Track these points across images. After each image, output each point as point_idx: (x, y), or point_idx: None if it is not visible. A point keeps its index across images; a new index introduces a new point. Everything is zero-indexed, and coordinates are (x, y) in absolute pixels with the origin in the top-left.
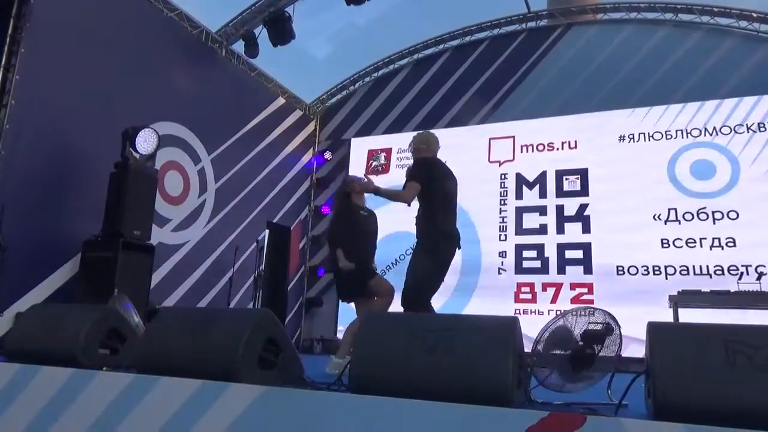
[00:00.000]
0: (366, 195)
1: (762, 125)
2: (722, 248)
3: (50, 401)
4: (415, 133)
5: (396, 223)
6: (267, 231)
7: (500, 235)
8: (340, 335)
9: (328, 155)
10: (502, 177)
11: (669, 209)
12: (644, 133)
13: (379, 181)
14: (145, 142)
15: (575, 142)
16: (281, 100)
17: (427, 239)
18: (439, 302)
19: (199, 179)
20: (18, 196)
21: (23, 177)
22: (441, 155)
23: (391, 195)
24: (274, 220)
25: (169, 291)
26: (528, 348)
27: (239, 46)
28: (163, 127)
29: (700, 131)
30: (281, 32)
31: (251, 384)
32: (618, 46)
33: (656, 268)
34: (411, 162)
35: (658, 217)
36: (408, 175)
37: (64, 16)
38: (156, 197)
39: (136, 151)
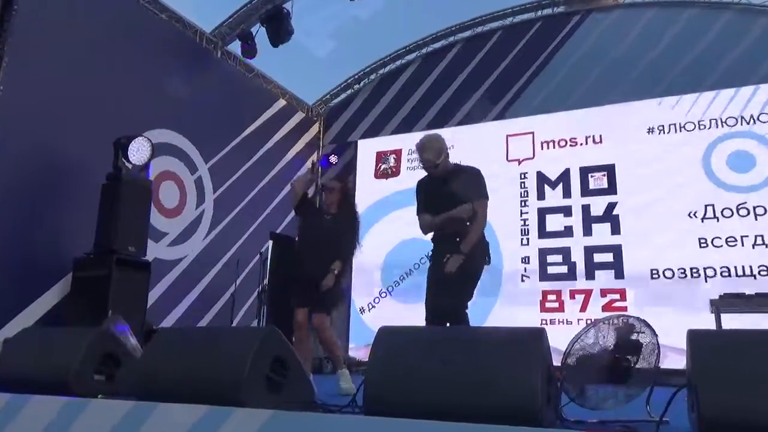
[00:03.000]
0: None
1: None
2: (766, 246)
3: None
4: (419, 138)
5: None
6: (270, 242)
7: (522, 239)
8: (352, 353)
9: (333, 159)
10: (522, 176)
11: (705, 206)
12: (675, 124)
13: (389, 184)
14: (138, 151)
15: (600, 136)
16: (282, 102)
17: (481, 249)
18: None
19: (196, 189)
20: (2, 212)
21: (8, 191)
22: (455, 155)
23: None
24: (278, 231)
25: (167, 310)
26: (557, 362)
27: (236, 47)
28: (157, 135)
29: (736, 120)
30: (280, 30)
31: (258, 408)
32: (642, 31)
33: (694, 271)
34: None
35: (694, 214)
36: (473, 192)
37: (50, 21)
38: (151, 210)
39: (129, 162)
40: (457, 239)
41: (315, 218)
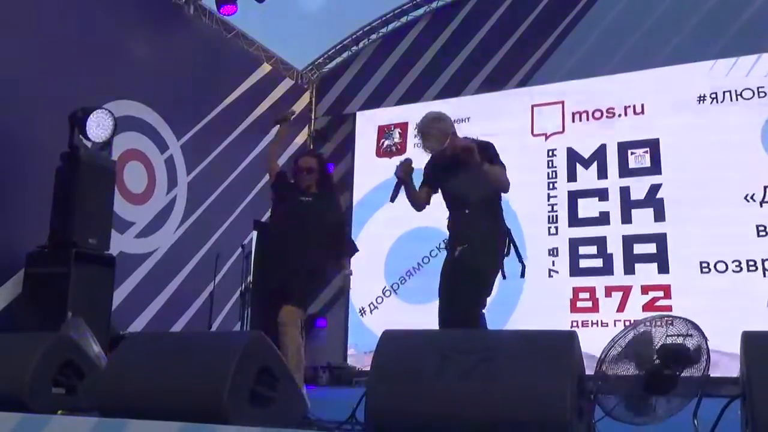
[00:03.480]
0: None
1: None
2: None
3: None
4: (420, 118)
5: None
6: (255, 233)
7: (549, 227)
8: (351, 360)
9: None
10: (550, 153)
11: (765, 187)
12: (730, 91)
13: (393, 163)
14: (98, 126)
15: (641, 106)
16: (266, 68)
17: (494, 238)
18: None
19: (167, 171)
20: None
21: None
22: (470, 129)
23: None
24: (263, 219)
25: (134, 313)
26: (590, 370)
27: (211, 2)
28: (120, 107)
29: None
30: None
31: (243, 426)
32: None
33: (751, 263)
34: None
35: (752, 197)
36: (488, 155)
37: None
38: (114, 196)
39: (88, 139)
40: (467, 211)
41: (294, 200)
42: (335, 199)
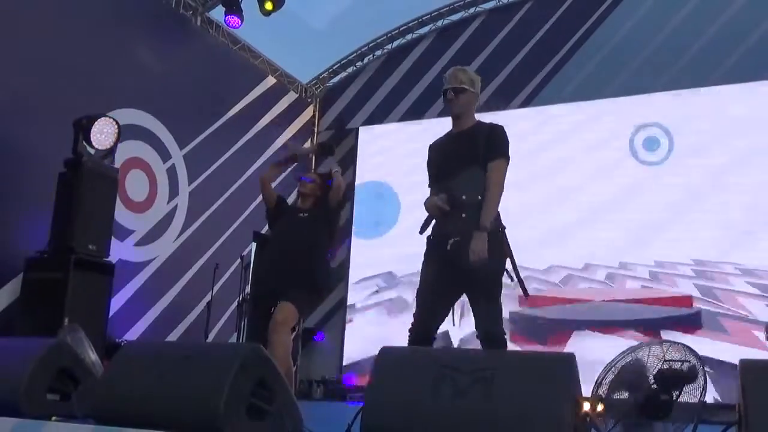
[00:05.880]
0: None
1: None
2: None
3: None
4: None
5: None
6: (254, 244)
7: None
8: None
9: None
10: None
11: None
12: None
13: None
14: (102, 134)
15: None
16: (271, 80)
17: (497, 237)
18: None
19: (168, 180)
20: None
21: None
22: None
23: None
24: (263, 231)
25: (131, 321)
26: (587, 392)
27: (218, 14)
28: (124, 115)
29: None
30: None
31: None
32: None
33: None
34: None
35: None
36: (492, 150)
37: None
38: (116, 203)
39: (92, 146)
40: (463, 215)
41: (293, 215)
42: (333, 217)
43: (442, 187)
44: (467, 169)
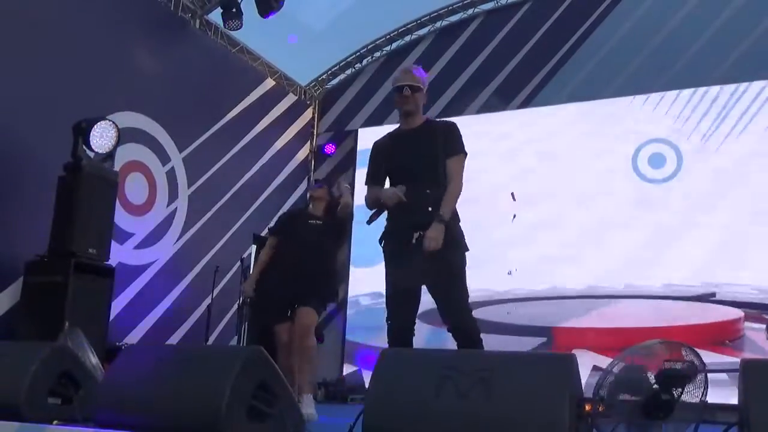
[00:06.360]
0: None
1: None
2: None
3: None
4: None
5: None
6: (254, 247)
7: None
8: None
9: (330, 148)
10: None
11: None
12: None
13: None
14: (102, 137)
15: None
16: (270, 83)
17: (458, 230)
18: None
19: (168, 183)
20: None
21: None
22: (470, 146)
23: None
24: (263, 234)
25: (131, 324)
26: (588, 393)
27: (217, 16)
28: (124, 118)
29: None
30: None
31: None
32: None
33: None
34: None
35: None
36: (451, 145)
37: None
38: (116, 206)
39: (91, 149)
40: (429, 208)
41: (305, 223)
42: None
43: (399, 182)
44: (429, 165)
